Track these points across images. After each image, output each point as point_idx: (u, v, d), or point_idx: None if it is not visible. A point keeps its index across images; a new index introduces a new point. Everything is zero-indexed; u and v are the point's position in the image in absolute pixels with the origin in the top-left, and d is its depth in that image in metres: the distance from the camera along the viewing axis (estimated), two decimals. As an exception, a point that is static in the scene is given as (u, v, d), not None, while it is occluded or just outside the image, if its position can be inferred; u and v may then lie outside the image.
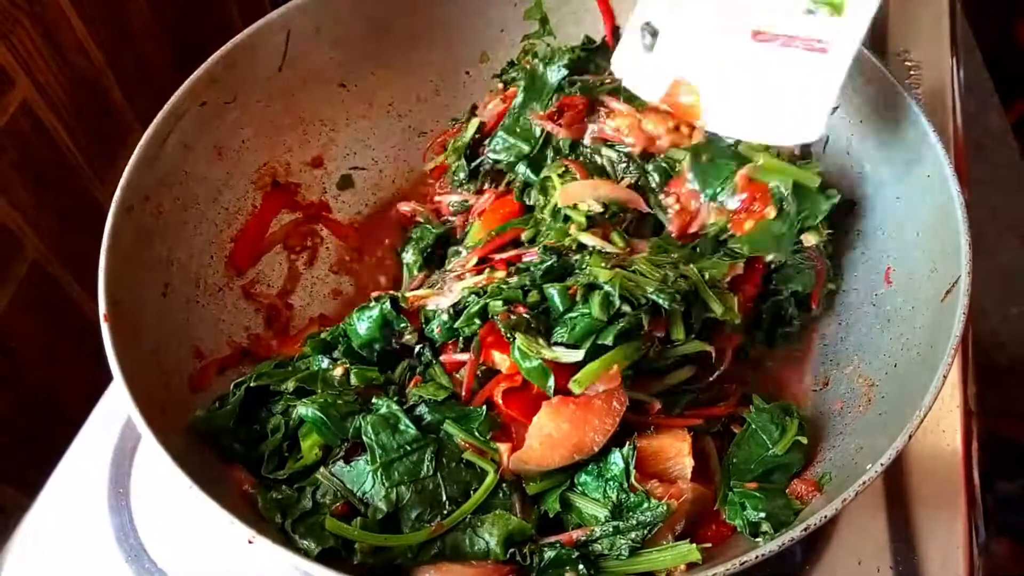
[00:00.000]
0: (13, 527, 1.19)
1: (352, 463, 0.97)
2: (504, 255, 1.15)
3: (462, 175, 1.37)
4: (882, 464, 0.86)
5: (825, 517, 0.84)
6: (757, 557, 0.81)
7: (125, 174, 1.12)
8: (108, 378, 1.28)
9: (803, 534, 0.83)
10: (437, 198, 1.39)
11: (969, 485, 1.17)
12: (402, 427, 0.98)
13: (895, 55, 1.61)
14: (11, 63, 1.31)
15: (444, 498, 0.95)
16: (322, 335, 1.13)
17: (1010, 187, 2.27)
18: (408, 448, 0.97)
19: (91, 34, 1.47)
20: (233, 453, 1.04)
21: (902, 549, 1.12)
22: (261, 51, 1.30)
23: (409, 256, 1.32)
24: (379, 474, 0.95)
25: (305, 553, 0.89)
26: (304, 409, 1.01)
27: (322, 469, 0.98)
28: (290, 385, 1.06)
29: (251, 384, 1.07)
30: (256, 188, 1.32)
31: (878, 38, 1.65)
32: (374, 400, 1.02)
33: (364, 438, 0.97)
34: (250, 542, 0.83)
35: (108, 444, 1.24)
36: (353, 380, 1.05)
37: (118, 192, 1.10)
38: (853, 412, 1.07)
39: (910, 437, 0.87)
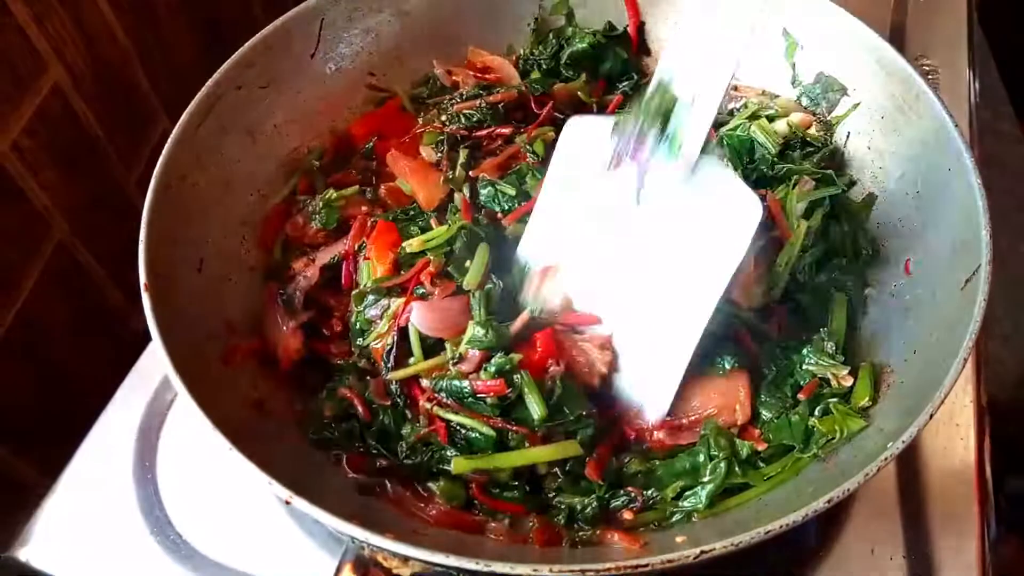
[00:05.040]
0: (38, 499, 1.20)
1: None
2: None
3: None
4: (903, 441, 0.87)
5: (848, 491, 0.85)
6: (782, 527, 0.83)
7: (164, 152, 1.14)
8: (130, 359, 1.31)
9: (827, 506, 0.84)
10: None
11: (981, 479, 1.18)
12: None
13: (912, 59, 1.63)
14: (45, 48, 1.33)
15: None
16: None
17: (1022, 196, 2.28)
18: None
19: (119, 21, 1.50)
20: None
21: (915, 539, 1.13)
22: (296, 37, 1.32)
23: None
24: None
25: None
26: None
27: None
28: None
29: None
30: (288, 172, 1.34)
31: (896, 41, 1.67)
32: None
33: None
34: (287, 503, 0.85)
35: (135, 417, 1.26)
36: None
37: (157, 169, 1.12)
38: (871, 398, 1.08)
39: (931, 416, 0.89)
